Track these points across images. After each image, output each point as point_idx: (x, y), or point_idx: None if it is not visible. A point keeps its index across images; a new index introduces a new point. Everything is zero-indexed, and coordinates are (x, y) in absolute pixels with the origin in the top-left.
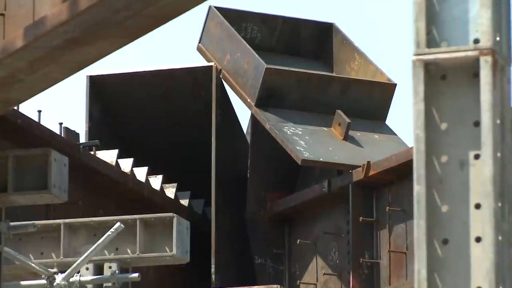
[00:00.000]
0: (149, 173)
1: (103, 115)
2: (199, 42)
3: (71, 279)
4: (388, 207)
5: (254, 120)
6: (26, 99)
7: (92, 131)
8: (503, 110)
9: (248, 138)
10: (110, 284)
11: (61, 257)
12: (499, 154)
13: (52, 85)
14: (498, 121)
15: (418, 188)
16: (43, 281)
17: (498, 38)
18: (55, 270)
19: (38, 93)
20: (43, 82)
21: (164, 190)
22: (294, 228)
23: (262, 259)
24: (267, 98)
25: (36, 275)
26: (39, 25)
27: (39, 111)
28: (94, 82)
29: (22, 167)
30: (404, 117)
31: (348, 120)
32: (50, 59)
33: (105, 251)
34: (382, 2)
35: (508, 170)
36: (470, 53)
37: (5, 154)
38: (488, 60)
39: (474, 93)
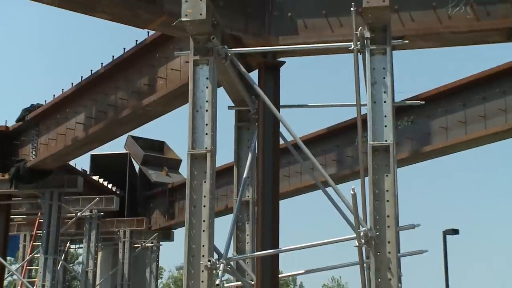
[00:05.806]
0: None
1: None
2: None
3: None
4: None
5: None
6: None
7: None
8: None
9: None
10: None
11: None
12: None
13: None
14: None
15: (188, 191)
16: None
17: (212, 147)
18: None
19: None
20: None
21: None
22: None
23: None
24: (144, 163)
25: None
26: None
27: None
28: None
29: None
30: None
31: (167, 169)
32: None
33: None
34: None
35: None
36: (202, 151)
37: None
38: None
39: (203, 164)
